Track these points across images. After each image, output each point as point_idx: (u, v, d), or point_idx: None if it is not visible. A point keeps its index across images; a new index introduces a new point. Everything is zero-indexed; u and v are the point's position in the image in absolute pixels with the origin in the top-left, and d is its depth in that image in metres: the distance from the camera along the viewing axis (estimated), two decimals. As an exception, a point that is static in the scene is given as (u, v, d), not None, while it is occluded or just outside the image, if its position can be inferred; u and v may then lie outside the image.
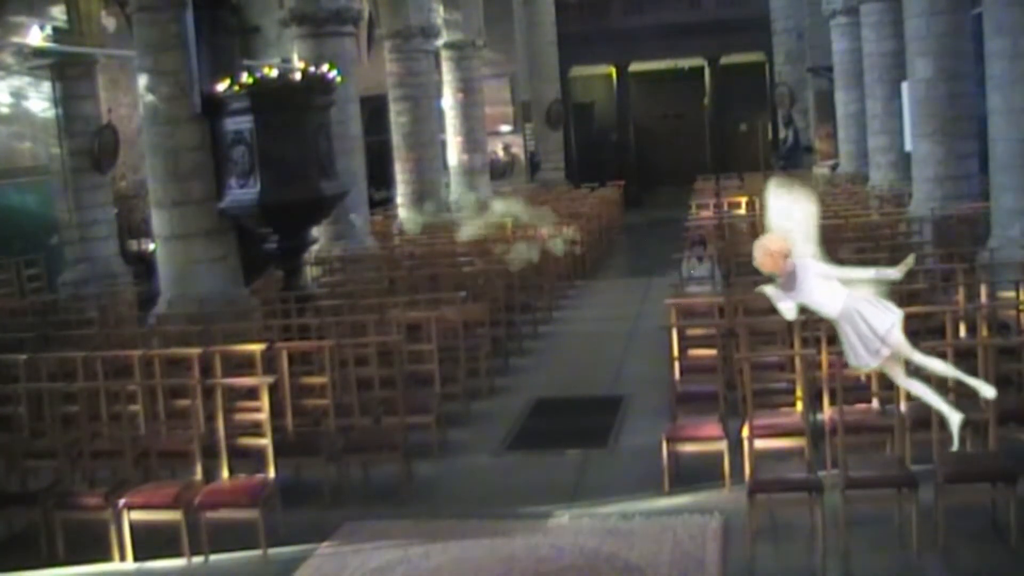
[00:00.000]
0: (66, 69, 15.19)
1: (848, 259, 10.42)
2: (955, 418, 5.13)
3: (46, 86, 15.46)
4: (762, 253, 4.90)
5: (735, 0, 28.87)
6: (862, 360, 5.03)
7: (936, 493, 5.94)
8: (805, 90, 25.58)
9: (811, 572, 5.95)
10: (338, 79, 11.39)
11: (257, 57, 11.62)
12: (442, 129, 21.45)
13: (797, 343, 7.55)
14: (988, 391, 5.29)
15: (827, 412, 6.89)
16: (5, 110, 15.96)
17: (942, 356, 6.74)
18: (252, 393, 7.18)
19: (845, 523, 5.95)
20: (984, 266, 9.91)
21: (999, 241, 10.18)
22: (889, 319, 5.01)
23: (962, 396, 6.92)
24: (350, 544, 6.61)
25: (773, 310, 7.75)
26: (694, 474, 7.12)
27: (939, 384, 5.46)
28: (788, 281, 4.97)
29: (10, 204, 15.91)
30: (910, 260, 5.09)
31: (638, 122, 31.55)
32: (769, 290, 5.04)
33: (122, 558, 6.59)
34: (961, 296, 8.55)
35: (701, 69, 30.55)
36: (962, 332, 7.62)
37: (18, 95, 15.93)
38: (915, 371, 5.17)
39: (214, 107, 10.44)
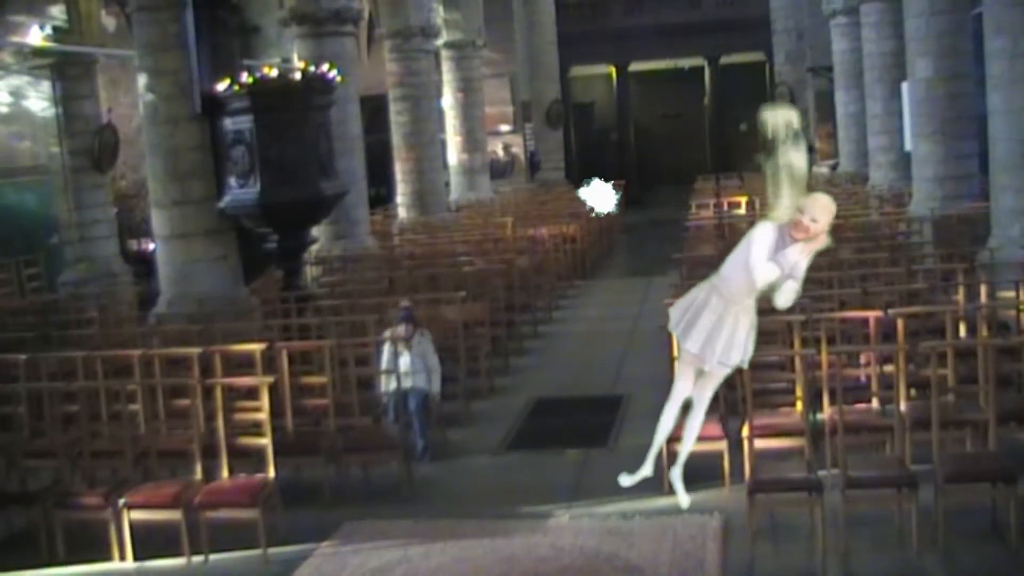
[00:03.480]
0: (66, 69, 15.21)
1: (848, 259, 10.47)
2: (646, 469, 5.31)
3: (46, 86, 15.47)
4: (823, 219, 4.49)
5: (735, 0, 28.89)
6: (701, 344, 4.80)
7: (936, 493, 5.94)
8: (805, 90, 25.59)
9: (811, 572, 5.95)
10: (338, 79, 11.39)
11: (257, 57, 11.59)
12: (442, 129, 21.46)
13: (797, 343, 7.56)
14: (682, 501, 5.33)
15: (827, 412, 6.89)
16: (5, 110, 15.97)
17: (942, 356, 6.78)
18: (252, 393, 7.18)
19: (845, 523, 5.95)
20: (984, 266, 9.91)
21: (999, 241, 10.18)
22: (741, 359, 4.83)
23: (963, 396, 6.96)
24: (350, 544, 6.61)
25: (772, 310, 7.80)
26: (694, 474, 7.06)
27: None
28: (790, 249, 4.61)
29: (10, 204, 15.92)
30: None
31: (638, 122, 31.57)
32: (770, 230, 4.59)
33: (122, 558, 6.59)
34: (961, 296, 8.55)
35: (701, 69, 30.57)
36: (962, 332, 7.62)
37: (18, 95, 15.94)
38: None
39: (214, 107, 10.45)
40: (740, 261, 4.72)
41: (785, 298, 4.65)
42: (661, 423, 5.23)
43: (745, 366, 4.97)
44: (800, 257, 4.55)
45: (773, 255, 4.59)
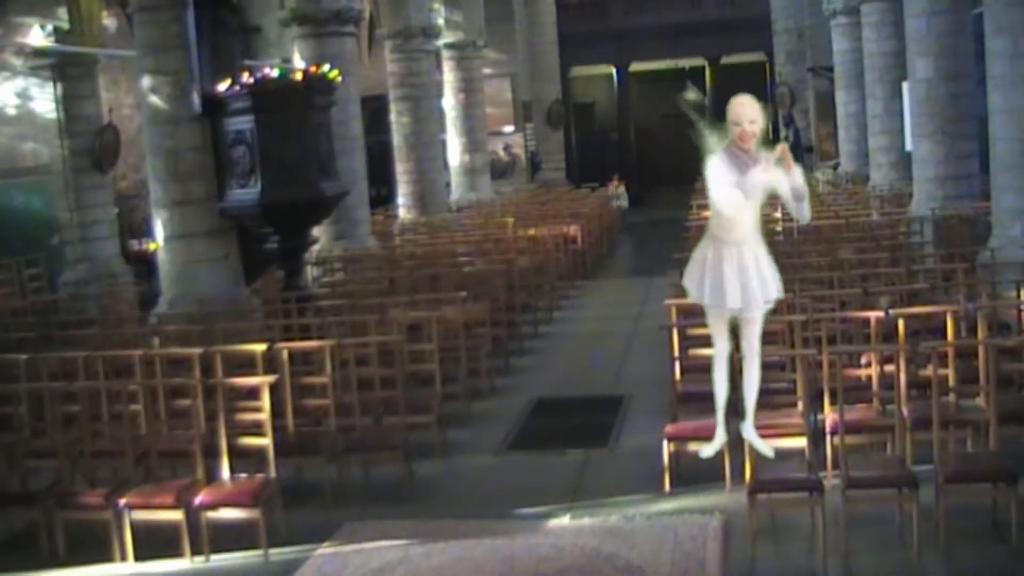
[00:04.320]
0: (67, 69, 15.21)
1: (849, 259, 10.47)
2: (720, 436, 5.69)
3: (47, 86, 15.47)
4: (757, 114, 4.82)
5: (735, 0, 28.89)
6: (741, 296, 4.98)
7: (937, 493, 5.94)
8: (806, 90, 25.59)
9: (811, 572, 5.95)
10: (338, 80, 11.38)
11: (258, 57, 11.60)
12: (443, 129, 21.48)
13: (798, 343, 7.56)
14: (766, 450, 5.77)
15: (827, 412, 6.89)
16: (7, 110, 15.98)
17: (942, 356, 6.79)
18: (253, 393, 7.18)
19: (845, 523, 5.95)
20: (985, 266, 9.91)
21: (1000, 241, 10.18)
22: (778, 288, 5.15)
23: (963, 396, 6.97)
24: (351, 544, 6.61)
25: (774, 310, 7.78)
26: (695, 474, 7.12)
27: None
28: (751, 159, 4.81)
29: (11, 204, 15.92)
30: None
31: (639, 122, 31.53)
32: (718, 160, 4.86)
33: (123, 558, 6.58)
34: (962, 296, 8.55)
35: (702, 69, 30.54)
36: (963, 332, 7.62)
37: (20, 95, 15.95)
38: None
39: (215, 107, 10.45)
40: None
41: (801, 209, 4.90)
42: (716, 386, 5.46)
43: (783, 294, 5.23)
44: (769, 175, 4.76)
45: (739, 179, 4.79)
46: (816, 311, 8.26)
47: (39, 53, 15.08)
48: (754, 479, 6.19)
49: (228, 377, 7.40)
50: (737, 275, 4.93)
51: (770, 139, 5.05)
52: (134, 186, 18.32)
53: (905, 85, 14.93)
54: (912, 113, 14.03)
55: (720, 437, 5.68)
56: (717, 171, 4.81)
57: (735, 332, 5.45)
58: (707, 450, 5.82)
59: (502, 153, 26.31)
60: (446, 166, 21.71)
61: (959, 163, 13.26)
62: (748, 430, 5.64)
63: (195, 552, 6.55)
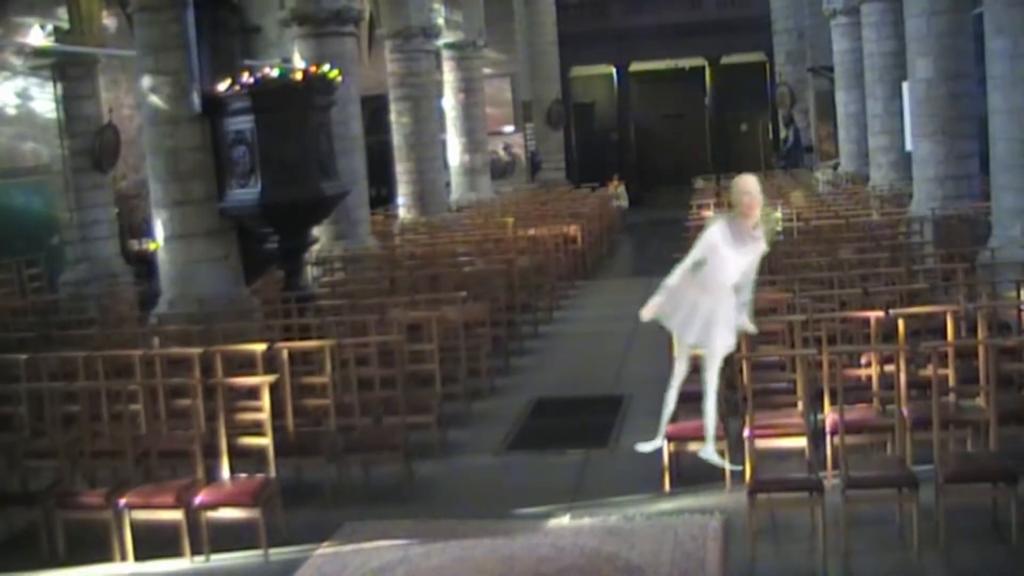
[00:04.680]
0: (67, 69, 15.22)
1: (849, 259, 10.47)
2: (659, 440, 6.47)
3: (47, 86, 15.48)
4: (759, 193, 5.53)
5: (735, 0, 28.91)
6: (698, 336, 5.89)
7: (937, 493, 5.94)
8: (806, 90, 25.60)
9: (811, 572, 5.95)
10: (338, 80, 11.38)
11: (258, 57, 11.61)
12: (443, 129, 21.48)
13: (798, 343, 7.56)
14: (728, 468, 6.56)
15: (827, 412, 6.90)
16: (7, 110, 15.98)
17: (943, 356, 6.79)
18: (253, 393, 7.18)
19: (845, 523, 5.95)
20: (985, 266, 9.91)
21: (1000, 241, 10.18)
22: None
23: (963, 396, 6.97)
24: (351, 544, 6.62)
25: (774, 310, 7.83)
26: (695, 474, 7.12)
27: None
28: (749, 235, 5.56)
29: (12, 204, 15.93)
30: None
31: (638, 122, 31.56)
32: (719, 227, 5.61)
33: (123, 558, 6.58)
34: (962, 296, 8.55)
35: (702, 69, 30.56)
36: (963, 332, 7.62)
37: (20, 95, 15.96)
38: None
39: (215, 107, 10.45)
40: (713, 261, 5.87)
41: (741, 314, 6.05)
42: (667, 399, 6.26)
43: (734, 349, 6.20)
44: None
45: (733, 245, 5.59)
46: (816, 311, 8.26)
47: (39, 53, 15.09)
48: (754, 479, 6.19)
49: (228, 377, 7.40)
50: (704, 318, 5.78)
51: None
52: (134, 186, 18.32)
53: (905, 85, 14.93)
54: (912, 113, 14.04)
55: (659, 440, 6.45)
56: (702, 247, 5.68)
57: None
58: (644, 446, 6.49)
59: (502, 153, 26.32)
60: (446, 166, 21.71)
61: (959, 163, 13.27)
62: (707, 453, 6.30)
63: (195, 552, 6.55)
